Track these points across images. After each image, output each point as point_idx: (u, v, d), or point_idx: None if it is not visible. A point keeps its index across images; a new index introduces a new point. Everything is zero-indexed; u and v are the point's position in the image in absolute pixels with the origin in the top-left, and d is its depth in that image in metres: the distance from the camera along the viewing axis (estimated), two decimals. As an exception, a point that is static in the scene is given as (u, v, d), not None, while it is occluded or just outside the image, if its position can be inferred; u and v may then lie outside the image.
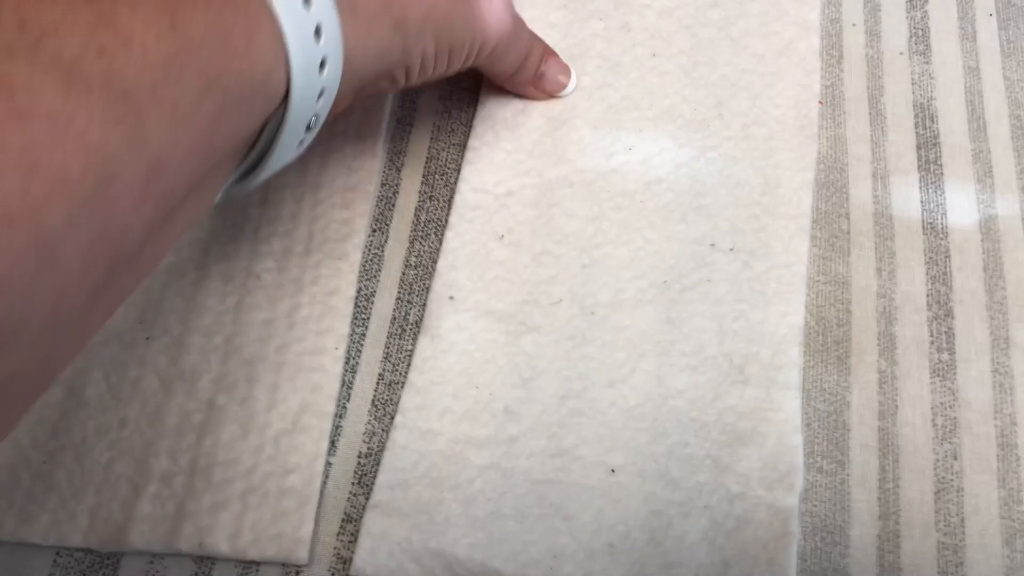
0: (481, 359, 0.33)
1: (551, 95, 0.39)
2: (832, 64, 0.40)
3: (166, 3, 0.20)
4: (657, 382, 0.33)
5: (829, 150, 0.38)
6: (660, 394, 0.33)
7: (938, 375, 0.34)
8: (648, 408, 0.33)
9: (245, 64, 0.21)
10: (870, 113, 0.39)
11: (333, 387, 0.32)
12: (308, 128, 0.26)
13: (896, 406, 0.34)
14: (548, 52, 0.38)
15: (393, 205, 0.37)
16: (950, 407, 0.34)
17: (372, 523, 0.31)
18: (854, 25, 0.41)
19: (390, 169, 0.38)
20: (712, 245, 0.36)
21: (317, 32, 0.24)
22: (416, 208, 0.37)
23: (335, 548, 0.31)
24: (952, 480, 0.32)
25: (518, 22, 0.35)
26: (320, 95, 0.25)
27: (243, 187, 0.26)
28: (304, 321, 0.33)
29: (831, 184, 0.38)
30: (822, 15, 0.42)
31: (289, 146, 0.25)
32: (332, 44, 0.24)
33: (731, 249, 0.36)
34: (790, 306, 0.35)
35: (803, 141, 0.38)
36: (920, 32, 0.41)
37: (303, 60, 0.23)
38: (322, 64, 0.24)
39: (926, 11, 0.42)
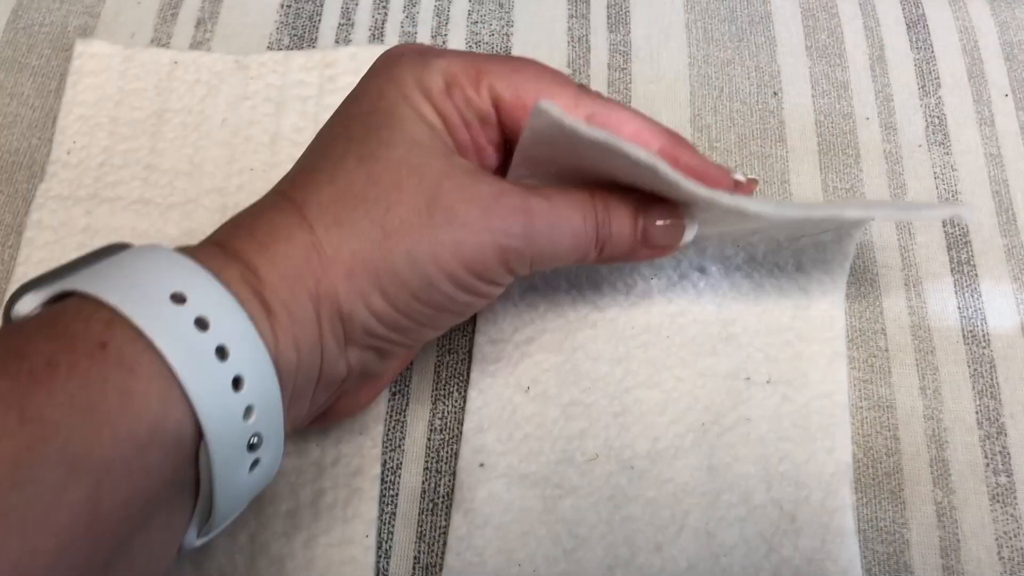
0: (519, 531, 0.32)
1: (670, 249, 0.30)
2: (849, 164, 0.39)
3: (15, 392, 0.19)
4: (707, 539, 0.32)
5: (857, 260, 0.37)
6: (711, 553, 0.31)
7: (998, 501, 0.33)
8: (700, 570, 0.31)
9: (123, 425, 0.19)
10: (894, 214, 0.38)
11: (368, 581, 0.31)
12: (253, 447, 0.23)
13: (958, 540, 0.32)
14: (620, 202, 0.29)
15: (411, 363, 0.35)
16: (1015, 536, 0.32)
17: None
18: (867, 119, 0.40)
19: (403, 323, 0.36)
20: (747, 379, 0.34)
21: (221, 352, 0.22)
22: (435, 364, 0.35)
23: None
24: (1027, 622, 0.31)
25: (542, 211, 0.27)
26: (248, 413, 0.22)
27: (215, 528, 0.24)
28: (330, 508, 0.32)
29: (863, 297, 0.36)
30: (832, 110, 0.40)
31: (233, 475, 0.23)
32: (246, 357, 0.22)
33: (767, 382, 0.34)
34: (836, 440, 0.33)
35: (833, 255, 0.36)
36: (936, 120, 0.40)
37: (205, 386, 0.21)
38: (236, 382, 0.22)
39: (939, 96, 0.40)
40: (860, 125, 0.40)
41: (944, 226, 0.38)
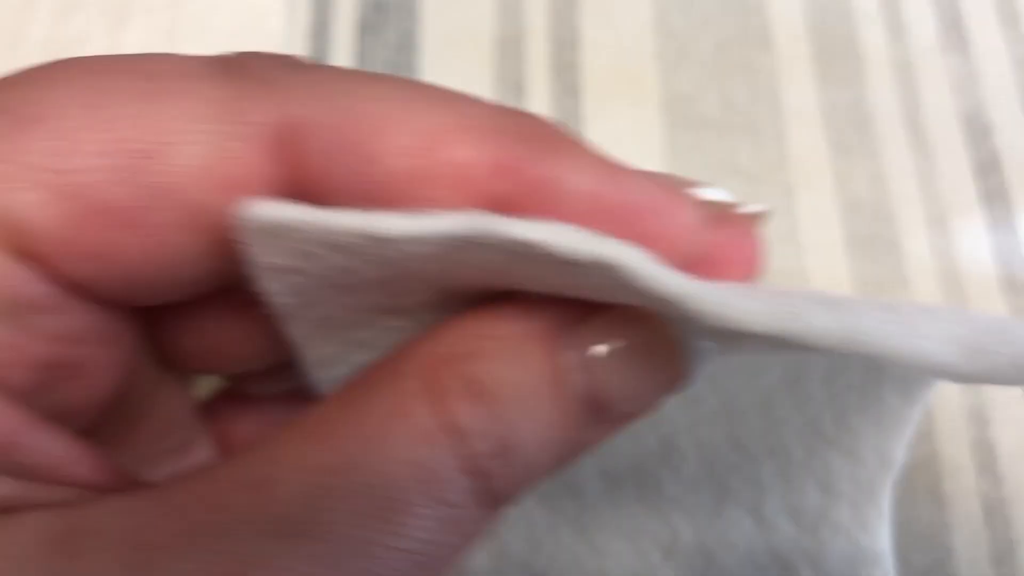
0: None
1: (651, 404, 0.14)
2: (849, 74, 0.31)
3: None
4: (704, 566, 0.24)
5: (868, 193, 0.29)
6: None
7: (1056, 489, 0.26)
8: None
9: None
10: (908, 135, 0.30)
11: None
12: None
13: (1012, 543, 0.25)
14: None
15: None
16: (1079, 532, 0.26)
17: None
18: (870, 18, 0.32)
19: None
20: None
21: None
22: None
23: None
24: (1107, 646, 0.24)
25: None
26: None
27: None
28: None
29: (878, 239, 0.29)
30: (826, 7, 0.32)
31: None
32: None
33: None
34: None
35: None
36: (951, 19, 0.32)
37: None
38: None
39: (952, -10, 0.33)
40: (861, 26, 0.32)
41: (968, 147, 0.30)
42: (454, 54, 0.31)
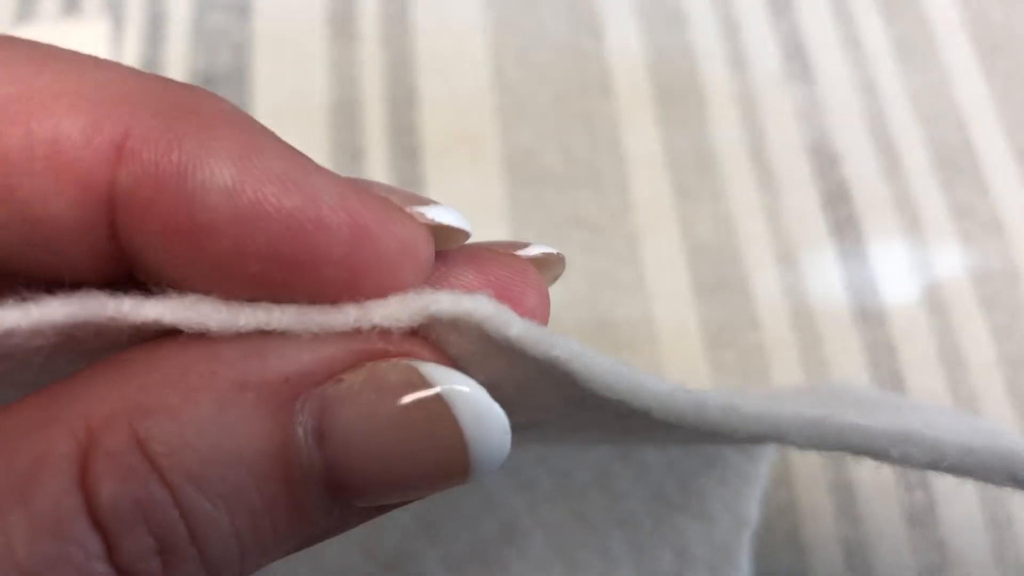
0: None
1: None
2: (691, 114, 0.31)
3: None
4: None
5: (714, 235, 0.29)
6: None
7: (917, 525, 0.26)
8: None
9: None
10: (754, 171, 0.30)
11: None
12: None
13: (873, 587, 0.25)
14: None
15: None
16: (939, 569, 0.25)
17: None
18: (710, 54, 0.32)
19: None
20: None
21: None
22: None
23: None
24: None
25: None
26: None
27: None
28: None
29: (726, 282, 0.28)
30: (664, 47, 0.32)
31: None
32: None
33: None
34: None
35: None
36: (793, 47, 0.32)
37: None
38: None
39: (794, 18, 0.33)
40: (702, 62, 0.32)
41: (816, 179, 0.30)
42: (288, 123, 0.30)
